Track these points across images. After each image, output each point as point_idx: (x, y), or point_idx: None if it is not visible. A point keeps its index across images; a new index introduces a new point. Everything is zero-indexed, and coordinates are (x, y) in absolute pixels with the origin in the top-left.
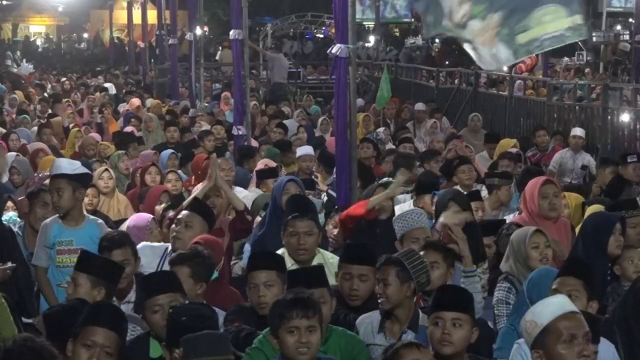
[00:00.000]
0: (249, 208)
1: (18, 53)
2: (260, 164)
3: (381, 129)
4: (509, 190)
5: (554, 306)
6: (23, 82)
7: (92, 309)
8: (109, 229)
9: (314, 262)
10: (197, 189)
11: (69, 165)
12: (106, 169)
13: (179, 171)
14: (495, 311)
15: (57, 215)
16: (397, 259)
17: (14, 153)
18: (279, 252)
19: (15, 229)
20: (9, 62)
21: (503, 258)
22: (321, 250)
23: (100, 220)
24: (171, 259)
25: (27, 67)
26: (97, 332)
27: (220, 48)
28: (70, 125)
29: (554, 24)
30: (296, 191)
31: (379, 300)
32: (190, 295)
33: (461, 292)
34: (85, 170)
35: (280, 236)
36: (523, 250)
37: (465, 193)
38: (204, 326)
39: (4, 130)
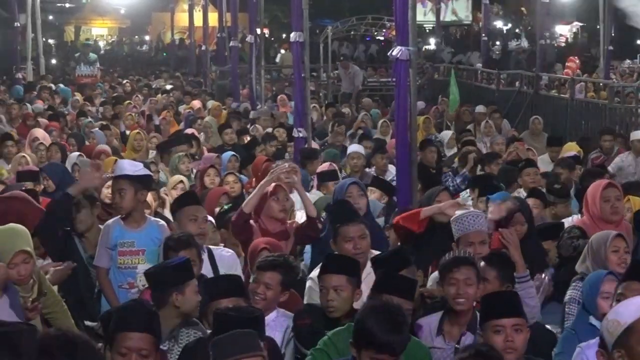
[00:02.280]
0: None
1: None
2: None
3: (447, 132)
4: (567, 208)
5: (637, 305)
6: (129, 87)
7: (120, 315)
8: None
9: (368, 266)
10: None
11: (131, 167)
12: (181, 181)
13: (240, 174)
14: (566, 309)
15: (119, 216)
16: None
17: (76, 153)
18: None
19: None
20: (80, 65)
21: (579, 259)
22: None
23: (161, 222)
24: (261, 263)
25: (89, 69)
26: (130, 338)
27: (282, 51)
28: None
29: None
30: (358, 194)
31: (459, 300)
32: (275, 301)
33: (514, 296)
34: (147, 172)
35: (330, 244)
36: (602, 253)
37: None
38: (248, 326)
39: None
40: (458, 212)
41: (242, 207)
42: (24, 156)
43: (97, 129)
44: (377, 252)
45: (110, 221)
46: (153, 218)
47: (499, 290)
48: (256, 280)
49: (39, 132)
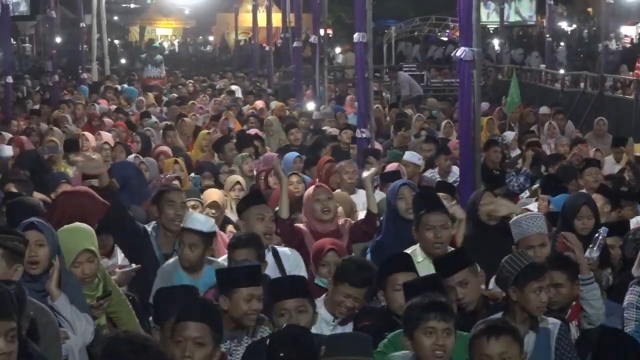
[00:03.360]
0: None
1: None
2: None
3: (510, 133)
4: (634, 211)
5: None
6: (192, 88)
7: (180, 306)
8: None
9: None
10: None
11: (206, 223)
12: (238, 182)
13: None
14: (625, 314)
15: (179, 262)
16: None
17: (133, 154)
18: (409, 250)
19: (149, 229)
20: (147, 66)
21: (635, 262)
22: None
23: (217, 262)
24: (354, 280)
25: (155, 71)
26: (187, 327)
27: (337, 50)
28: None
29: None
30: (410, 195)
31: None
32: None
33: None
34: (216, 229)
35: (412, 231)
36: None
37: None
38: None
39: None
40: (517, 216)
41: (279, 215)
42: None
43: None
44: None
45: (170, 264)
46: (210, 264)
47: (571, 293)
48: (345, 294)
49: (105, 133)
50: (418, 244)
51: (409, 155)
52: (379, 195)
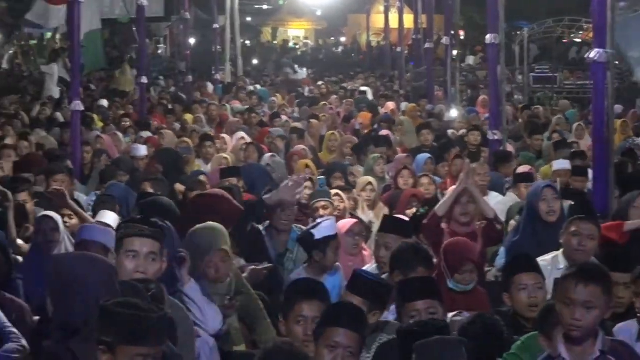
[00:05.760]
0: (502, 213)
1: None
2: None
3: None
4: None
5: None
6: (299, 88)
7: (333, 310)
8: None
9: None
10: (449, 192)
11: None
12: (370, 182)
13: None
14: None
15: (304, 265)
16: None
17: (269, 154)
18: (550, 256)
19: (262, 229)
20: (288, 70)
21: None
22: None
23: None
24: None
25: (302, 73)
26: (340, 333)
27: (474, 53)
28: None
29: None
30: (552, 197)
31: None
32: None
33: None
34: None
35: (559, 235)
36: None
37: None
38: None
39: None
40: None
41: (436, 210)
42: (225, 157)
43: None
44: None
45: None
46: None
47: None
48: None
49: (241, 133)
50: (561, 250)
51: (563, 163)
52: (510, 197)
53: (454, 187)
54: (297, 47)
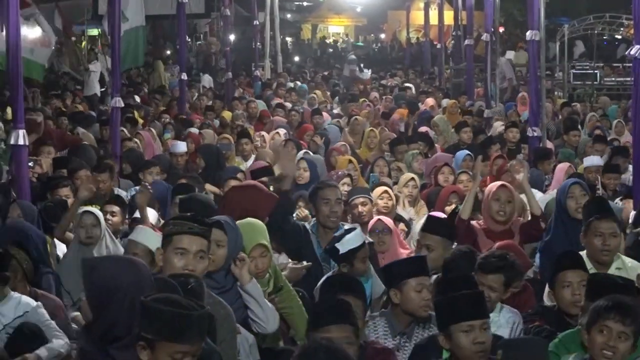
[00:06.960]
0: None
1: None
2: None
3: None
4: None
5: None
6: (362, 86)
7: (317, 311)
8: None
9: (613, 267)
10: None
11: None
12: (412, 178)
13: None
14: None
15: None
16: None
17: (303, 151)
18: None
19: (309, 227)
20: (354, 67)
21: None
22: (620, 255)
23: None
24: (484, 266)
25: (367, 73)
26: (331, 330)
27: (513, 50)
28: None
29: None
30: (580, 194)
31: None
32: (498, 301)
33: None
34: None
35: (580, 237)
36: None
37: None
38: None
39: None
40: None
41: (459, 215)
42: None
43: (332, 124)
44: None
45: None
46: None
47: None
48: (479, 282)
49: (281, 130)
50: (585, 251)
51: (594, 160)
52: (550, 194)
53: (488, 185)
54: (359, 45)
